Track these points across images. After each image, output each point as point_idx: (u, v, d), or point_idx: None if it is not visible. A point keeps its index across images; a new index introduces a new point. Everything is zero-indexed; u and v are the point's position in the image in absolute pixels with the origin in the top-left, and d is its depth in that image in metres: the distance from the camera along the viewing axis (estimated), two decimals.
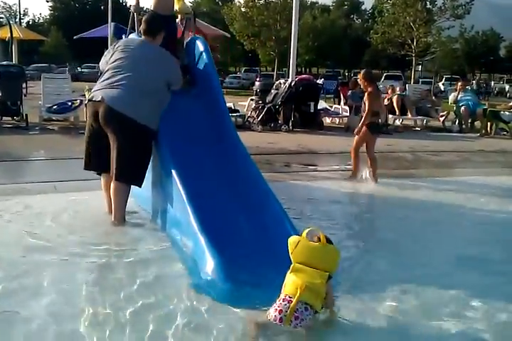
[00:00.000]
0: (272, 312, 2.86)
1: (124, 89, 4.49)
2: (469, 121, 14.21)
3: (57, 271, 3.68)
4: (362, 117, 7.00)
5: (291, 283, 2.94)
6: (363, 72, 7.31)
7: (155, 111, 4.61)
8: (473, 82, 30.96)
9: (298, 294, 2.85)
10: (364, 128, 6.94)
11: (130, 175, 4.59)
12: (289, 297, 2.88)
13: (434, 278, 3.79)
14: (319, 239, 3.03)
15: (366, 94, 6.95)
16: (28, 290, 3.34)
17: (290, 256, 3.03)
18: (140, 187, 4.68)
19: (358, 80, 7.54)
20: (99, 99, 4.51)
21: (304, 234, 3.06)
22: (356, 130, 7.07)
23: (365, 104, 6.94)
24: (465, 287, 3.60)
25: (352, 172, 7.23)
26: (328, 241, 3.08)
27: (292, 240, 3.05)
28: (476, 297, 3.45)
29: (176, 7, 5.80)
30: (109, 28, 19.67)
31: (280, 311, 2.84)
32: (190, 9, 6.06)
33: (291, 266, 3.01)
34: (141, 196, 5.00)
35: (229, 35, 28.61)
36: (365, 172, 7.00)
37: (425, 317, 3.19)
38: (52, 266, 3.76)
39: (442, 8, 33.30)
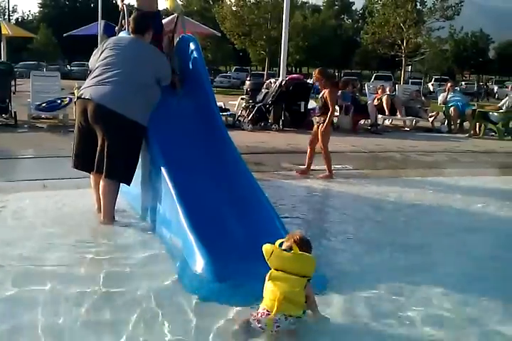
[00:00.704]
0: (253, 324, 2.85)
1: (113, 86, 4.47)
2: (458, 121, 14.29)
3: (45, 270, 3.66)
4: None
5: (269, 294, 2.90)
6: (318, 69, 7.55)
7: (145, 107, 4.60)
8: (462, 83, 31.14)
9: (275, 308, 2.81)
10: (328, 125, 7.27)
11: (120, 173, 4.56)
12: (268, 311, 2.85)
13: (435, 279, 3.80)
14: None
15: (327, 91, 7.15)
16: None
17: (267, 262, 3.00)
18: (129, 185, 4.67)
19: (314, 77, 7.70)
20: (87, 96, 4.49)
21: (277, 243, 3.03)
22: (323, 128, 7.25)
23: (326, 101, 7.15)
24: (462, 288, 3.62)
25: (306, 167, 7.50)
26: (305, 245, 3.06)
27: (266, 249, 2.99)
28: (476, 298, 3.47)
29: (168, 6, 5.81)
30: (99, 25, 19.63)
31: (259, 322, 2.84)
32: (181, 8, 6.06)
33: (269, 271, 2.97)
34: (130, 193, 4.99)
35: (219, 34, 28.62)
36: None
37: (420, 319, 3.21)
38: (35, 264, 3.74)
39: (432, 9, 33.49)
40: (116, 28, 5.85)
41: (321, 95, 7.37)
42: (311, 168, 7.53)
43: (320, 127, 7.31)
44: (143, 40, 4.82)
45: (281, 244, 3.03)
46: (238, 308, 3.13)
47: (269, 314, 2.84)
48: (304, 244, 3.04)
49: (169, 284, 3.49)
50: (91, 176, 4.85)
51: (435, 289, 3.57)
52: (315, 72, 7.58)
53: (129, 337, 2.82)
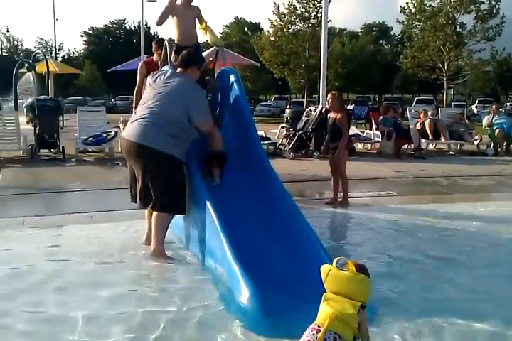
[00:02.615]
0: None
1: (147, 123, 4.56)
2: (504, 144, 13.97)
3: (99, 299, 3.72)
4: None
5: (322, 312, 2.90)
6: (336, 92, 7.50)
7: (179, 142, 4.60)
8: (507, 104, 30.49)
9: (326, 323, 2.81)
10: (345, 150, 7.25)
11: (167, 205, 4.59)
12: (318, 326, 2.84)
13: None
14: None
15: (340, 116, 7.09)
16: None
17: (324, 284, 3.01)
18: (184, 214, 4.69)
19: (328, 100, 7.46)
20: (124, 135, 4.68)
21: (334, 262, 3.03)
22: (338, 153, 7.21)
23: (340, 127, 7.11)
24: None
25: (333, 196, 7.32)
26: (362, 269, 3.03)
27: (323, 269, 3.02)
28: None
29: (209, 39, 5.93)
30: (142, 60, 20.18)
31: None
32: (222, 42, 6.15)
33: (324, 294, 2.98)
34: (175, 224, 5.03)
35: (259, 64, 29.00)
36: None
37: None
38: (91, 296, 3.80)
39: (472, 31, 33.17)
40: (159, 62, 6.01)
41: (331, 121, 7.24)
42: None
43: (336, 153, 7.22)
44: (184, 75, 4.85)
45: (338, 265, 3.01)
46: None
47: (319, 330, 2.81)
48: (360, 267, 3.02)
49: (216, 315, 3.49)
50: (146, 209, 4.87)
51: None
52: (330, 94, 7.47)
53: None
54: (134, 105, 7.44)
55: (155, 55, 6.37)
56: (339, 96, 7.36)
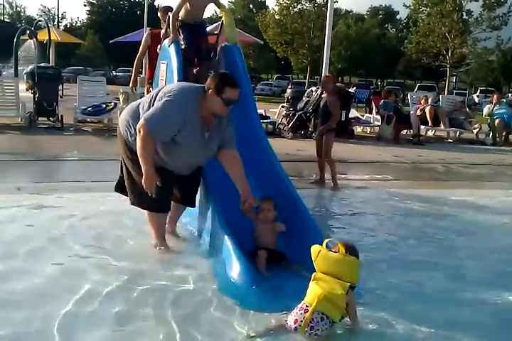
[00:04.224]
0: (289, 321, 2.90)
1: None
2: (503, 134, 13.98)
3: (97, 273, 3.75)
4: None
5: (311, 292, 2.94)
6: (330, 75, 7.68)
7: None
8: (509, 94, 30.42)
9: (315, 303, 2.86)
10: (333, 133, 7.19)
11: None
12: (306, 305, 2.89)
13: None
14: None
15: (332, 99, 7.12)
16: None
17: (314, 264, 3.03)
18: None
19: (324, 81, 7.53)
20: None
21: (324, 243, 3.05)
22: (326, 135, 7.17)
23: (330, 108, 7.10)
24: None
25: (320, 178, 7.35)
26: (352, 250, 3.06)
27: (313, 249, 3.05)
28: None
29: (224, 29, 5.78)
30: (145, 32, 19.98)
31: (296, 321, 2.87)
32: (235, 40, 5.62)
33: (314, 274, 3.02)
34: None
35: (262, 42, 28.76)
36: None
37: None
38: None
39: (479, 19, 32.87)
40: (162, 34, 5.97)
41: (324, 103, 7.28)
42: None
43: (323, 136, 7.21)
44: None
45: (328, 246, 3.05)
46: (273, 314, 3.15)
47: (307, 309, 2.85)
48: (350, 249, 3.05)
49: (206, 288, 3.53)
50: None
51: None
52: (325, 77, 7.52)
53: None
54: (133, 71, 7.47)
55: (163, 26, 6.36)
56: (334, 79, 7.32)
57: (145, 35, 7.36)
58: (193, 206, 4.39)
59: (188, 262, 3.95)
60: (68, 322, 2.98)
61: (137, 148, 3.73)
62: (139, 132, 3.67)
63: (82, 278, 3.56)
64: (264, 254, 3.73)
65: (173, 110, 3.71)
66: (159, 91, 3.92)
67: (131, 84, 7.58)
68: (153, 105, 3.79)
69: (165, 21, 6.08)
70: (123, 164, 4.13)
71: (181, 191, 4.22)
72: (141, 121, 3.69)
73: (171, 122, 3.69)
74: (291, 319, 2.89)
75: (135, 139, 3.77)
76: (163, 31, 6.04)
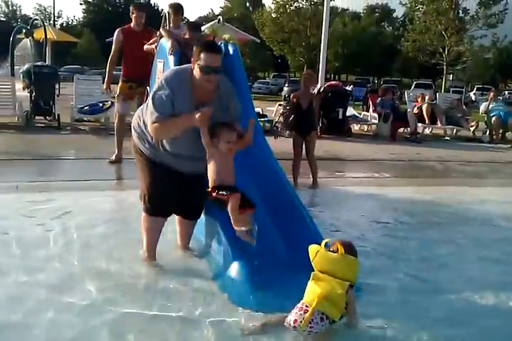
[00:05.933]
0: (289, 321, 2.89)
1: None
2: (500, 131, 13.99)
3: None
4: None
5: (311, 292, 2.93)
6: (310, 70, 7.65)
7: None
8: (505, 92, 30.48)
9: (314, 303, 2.84)
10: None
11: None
12: (306, 306, 2.88)
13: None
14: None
15: (316, 96, 7.20)
16: None
17: (312, 263, 3.03)
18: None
19: (303, 78, 7.36)
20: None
21: (323, 243, 3.04)
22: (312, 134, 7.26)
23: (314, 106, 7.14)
24: None
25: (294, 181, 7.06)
26: (351, 250, 3.06)
27: (312, 249, 3.03)
28: None
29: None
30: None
31: (295, 321, 2.86)
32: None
33: (313, 273, 3.00)
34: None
35: (258, 41, 28.75)
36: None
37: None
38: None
39: (475, 16, 32.94)
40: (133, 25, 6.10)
41: (307, 101, 7.17)
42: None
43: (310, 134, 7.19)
44: None
45: (326, 246, 3.04)
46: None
47: (307, 309, 2.85)
48: (349, 248, 3.04)
49: (205, 286, 3.53)
50: None
51: None
52: (306, 72, 7.52)
53: None
54: (107, 71, 7.41)
55: (132, 20, 6.54)
56: (313, 74, 7.41)
57: (115, 33, 7.25)
58: (194, 219, 4.12)
59: (187, 262, 3.96)
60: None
61: (159, 133, 3.50)
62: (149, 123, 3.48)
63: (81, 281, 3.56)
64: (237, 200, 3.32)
65: (162, 90, 3.47)
66: None
67: (105, 85, 7.53)
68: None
69: (135, 17, 6.83)
70: None
71: (182, 202, 3.84)
72: (148, 114, 3.51)
73: (164, 100, 3.44)
74: (291, 319, 2.88)
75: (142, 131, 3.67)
76: (133, 23, 6.27)
